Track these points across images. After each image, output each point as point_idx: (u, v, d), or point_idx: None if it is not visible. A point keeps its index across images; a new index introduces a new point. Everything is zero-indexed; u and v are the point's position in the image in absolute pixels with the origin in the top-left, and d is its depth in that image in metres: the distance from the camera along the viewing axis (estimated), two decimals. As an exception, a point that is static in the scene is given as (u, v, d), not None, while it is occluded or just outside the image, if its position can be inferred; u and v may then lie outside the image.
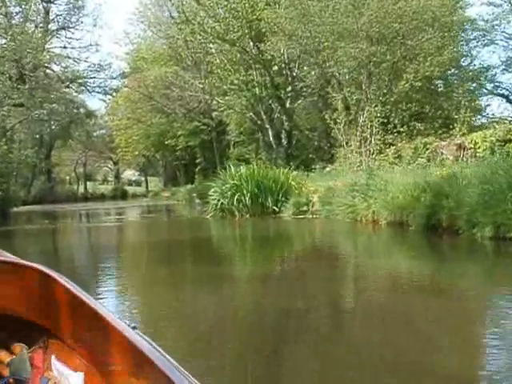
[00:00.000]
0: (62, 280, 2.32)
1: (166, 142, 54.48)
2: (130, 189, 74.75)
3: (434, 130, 28.13)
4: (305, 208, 21.81)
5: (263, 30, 33.14)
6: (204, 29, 36.84)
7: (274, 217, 22.90)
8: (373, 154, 29.89)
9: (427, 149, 25.40)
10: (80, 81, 36.79)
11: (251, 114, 41.08)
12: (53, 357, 2.30)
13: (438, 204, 14.20)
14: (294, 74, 39.15)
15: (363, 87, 29.85)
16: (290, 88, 38.94)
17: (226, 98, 40.52)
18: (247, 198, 23.28)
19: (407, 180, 16.70)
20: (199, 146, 53.93)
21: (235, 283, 9.51)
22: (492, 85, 40.20)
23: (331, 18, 28.81)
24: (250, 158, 48.13)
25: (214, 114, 48.51)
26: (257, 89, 38.95)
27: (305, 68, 40.46)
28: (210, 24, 37.30)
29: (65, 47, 38.81)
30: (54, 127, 58.11)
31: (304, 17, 30.15)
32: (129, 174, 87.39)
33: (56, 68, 36.90)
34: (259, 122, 41.35)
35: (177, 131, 51.57)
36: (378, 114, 29.10)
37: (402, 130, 28.48)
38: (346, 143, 32.30)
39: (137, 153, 58.31)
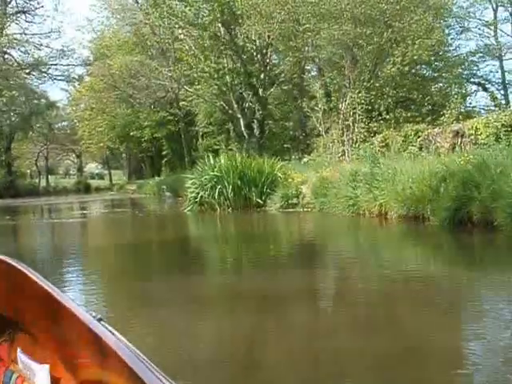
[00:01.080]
0: (28, 271, 2.21)
1: (132, 134, 51.60)
2: (94, 182, 71.63)
3: (421, 116, 26.12)
4: (294, 200, 19.48)
5: (238, 12, 30.61)
6: (173, 12, 34.20)
7: (258, 210, 20.57)
8: (356, 142, 27.73)
9: (418, 136, 23.30)
10: (41, 67, 33.76)
11: (222, 103, 38.62)
12: (18, 349, 2.22)
13: (466, 195, 11.97)
14: (268, 61, 36.82)
15: (346, 72, 27.60)
16: (263, 75, 36.58)
17: (196, 86, 37.94)
18: (229, 191, 20.87)
19: (420, 168, 14.45)
20: (166, 138, 51.25)
21: (216, 309, 6.86)
22: (467, 72, 38.37)
23: (312, -2, 26.48)
24: (219, 149, 45.69)
25: (182, 103, 45.90)
26: (227, 76, 36.36)
27: (277, 55, 38.31)
28: (180, 8, 34.73)
29: (25, 33, 35.76)
30: (13, 119, 54.87)
31: (282, -3, 27.74)
32: (91, 167, 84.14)
33: (15, 54, 33.82)
34: (230, 112, 38.92)
35: (143, 122, 48.75)
36: (362, 101, 26.92)
37: (387, 117, 26.37)
38: (326, 132, 30.17)
39: (101, 144, 55.29)
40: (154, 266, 10.39)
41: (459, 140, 21.41)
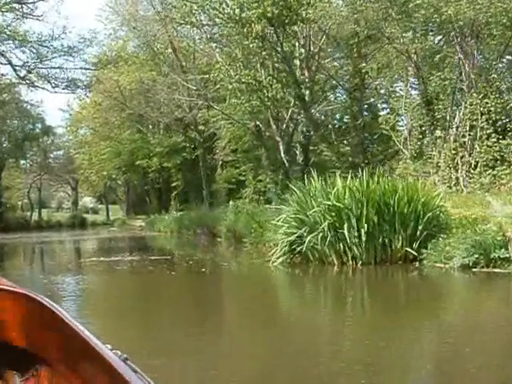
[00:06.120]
0: (55, 308, 2.07)
1: (137, 163, 41.77)
2: (89, 217, 61.24)
3: None
4: (501, 253, 9.99)
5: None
6: (212, 5, 24.98)
7: (416, 267, 11.11)
8: (475, 168, 18.55)
9: None
10: (42, 67, 24.14)
11: (258, 122, 29.35)
12: None
13: None
14: (317, 67, 27.64)
15: (466, 68, 18.46)
16: (313, 88, 27.43)
17: (224, 104, 28.50)
18: (362, 233, 11.36)
19: None
20: (178, 167, 41.56)
21: None
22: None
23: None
24: (245, 180, 36.34)
25: (201, 127, 36.49)
26: (266, 90, 26.92)
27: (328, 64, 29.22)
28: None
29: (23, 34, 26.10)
30: (5, 144, 45.17)
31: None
32: (86, 201, 73.76)
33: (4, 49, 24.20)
34: (268, 133, 29.64)
35: (153, 148, 39.11)
36: (491, 108, 17.85)
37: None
38: (416, 154, 21.14)
39: (104, 173, 45.33)
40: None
41: None
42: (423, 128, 20.71)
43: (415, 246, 11.50)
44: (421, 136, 21.54)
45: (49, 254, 21.09)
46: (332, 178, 12.94)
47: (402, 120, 22.99)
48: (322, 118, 29.76)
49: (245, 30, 24.94)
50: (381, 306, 8.39)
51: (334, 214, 11.70)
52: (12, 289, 2.29)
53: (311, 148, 30.39)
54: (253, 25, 24.63)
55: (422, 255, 11.31)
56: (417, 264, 11.28)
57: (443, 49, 19.24)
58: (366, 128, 27.53)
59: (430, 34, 19.15)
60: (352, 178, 12.68)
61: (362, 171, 24.03)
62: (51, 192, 65.73)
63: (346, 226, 11.35)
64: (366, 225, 11.33)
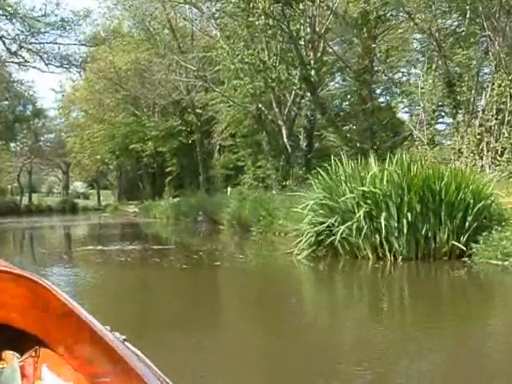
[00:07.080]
0: (55, 290, 2.08)
1: (131, 147, 39.95)
2: (81, 202, 59.43)
3: None
4: None
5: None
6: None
7: (465, 264, 9.55)
8: (501, 154, 17.03)
9: None
10: (34, 43, 22.24)
11: (260, 105, 27.79)
12: (43, 366, 2.08)
13: None
14: (322, 48, 25.91)
15: (496, 46, 16.86)
16: (321, 69, 25.72)
17: (234, 82, 26.69)
18: (404, 224, 9.77)
19: None
20: (173, 152, 39.72)
21: None
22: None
23: None
24: (243, 166, 34.69)
25: (199, 110, 34.72)
26: (269, 71, 25.17)
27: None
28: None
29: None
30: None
31: None
32: (76, 185, 71.78)
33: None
34: (270, 117, 28.08)
35: (149, 132, 37.29)
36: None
37: None
38: (429, 140, 19.64)
39: (98, 157, 43.38)
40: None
41: None
42: (436, 113, 19.21)
43: (463, 239, 9.91)
44: (433, 122, 20.16)
45: (40, 241, 19.36)
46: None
47: (415, 104, 21.49)
48: (329, 101, 28.02)
49: (250, 6, 23.29)
50: (449, 315, 6.79)
51: (370, 201, 10.10)
52: (13, 270, 2.25)
53: (314, 133, 28.82)
54: (258, 0, 23.01)
55: (471, 250, 9.75)
56: (466, 260, 9.71)
57: (468, 25, 17.60)
58: (375, 112, 25.93)
59: (455, 9, 17.45)
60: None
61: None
62: (42, 176, 63.78)
63: (384, 215, 9.73)
64: (408, 214, 9.72)
